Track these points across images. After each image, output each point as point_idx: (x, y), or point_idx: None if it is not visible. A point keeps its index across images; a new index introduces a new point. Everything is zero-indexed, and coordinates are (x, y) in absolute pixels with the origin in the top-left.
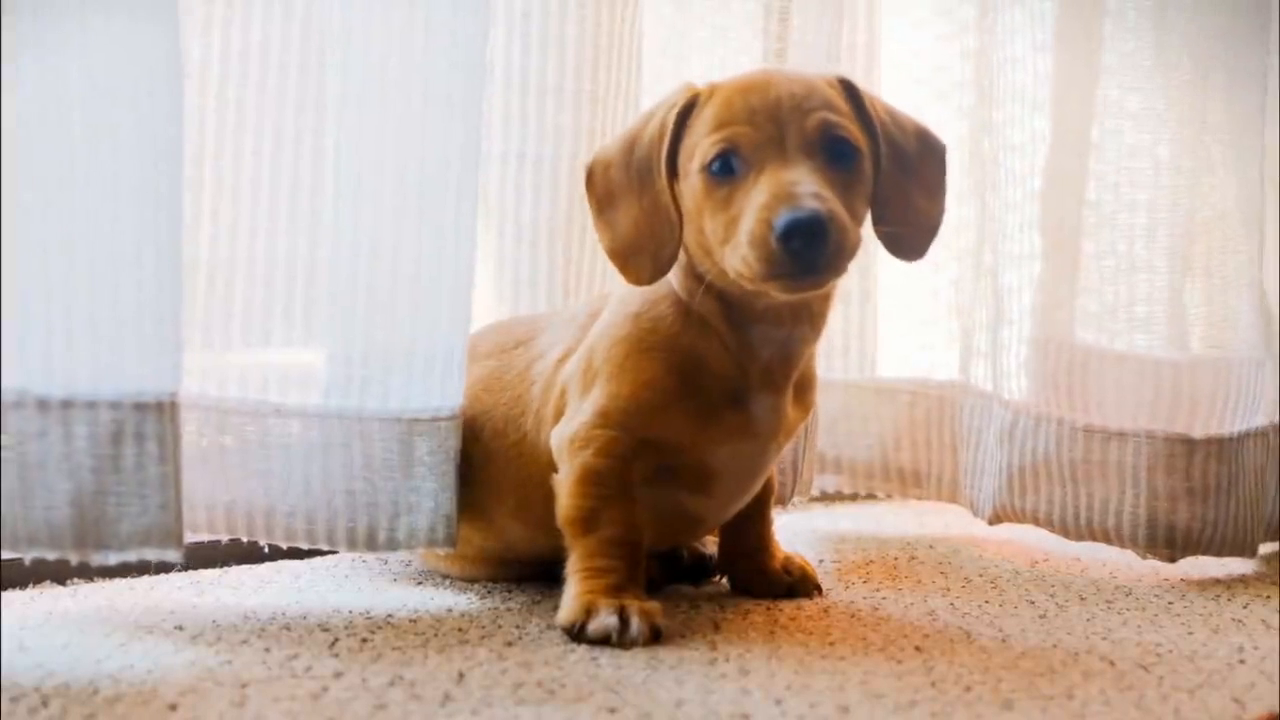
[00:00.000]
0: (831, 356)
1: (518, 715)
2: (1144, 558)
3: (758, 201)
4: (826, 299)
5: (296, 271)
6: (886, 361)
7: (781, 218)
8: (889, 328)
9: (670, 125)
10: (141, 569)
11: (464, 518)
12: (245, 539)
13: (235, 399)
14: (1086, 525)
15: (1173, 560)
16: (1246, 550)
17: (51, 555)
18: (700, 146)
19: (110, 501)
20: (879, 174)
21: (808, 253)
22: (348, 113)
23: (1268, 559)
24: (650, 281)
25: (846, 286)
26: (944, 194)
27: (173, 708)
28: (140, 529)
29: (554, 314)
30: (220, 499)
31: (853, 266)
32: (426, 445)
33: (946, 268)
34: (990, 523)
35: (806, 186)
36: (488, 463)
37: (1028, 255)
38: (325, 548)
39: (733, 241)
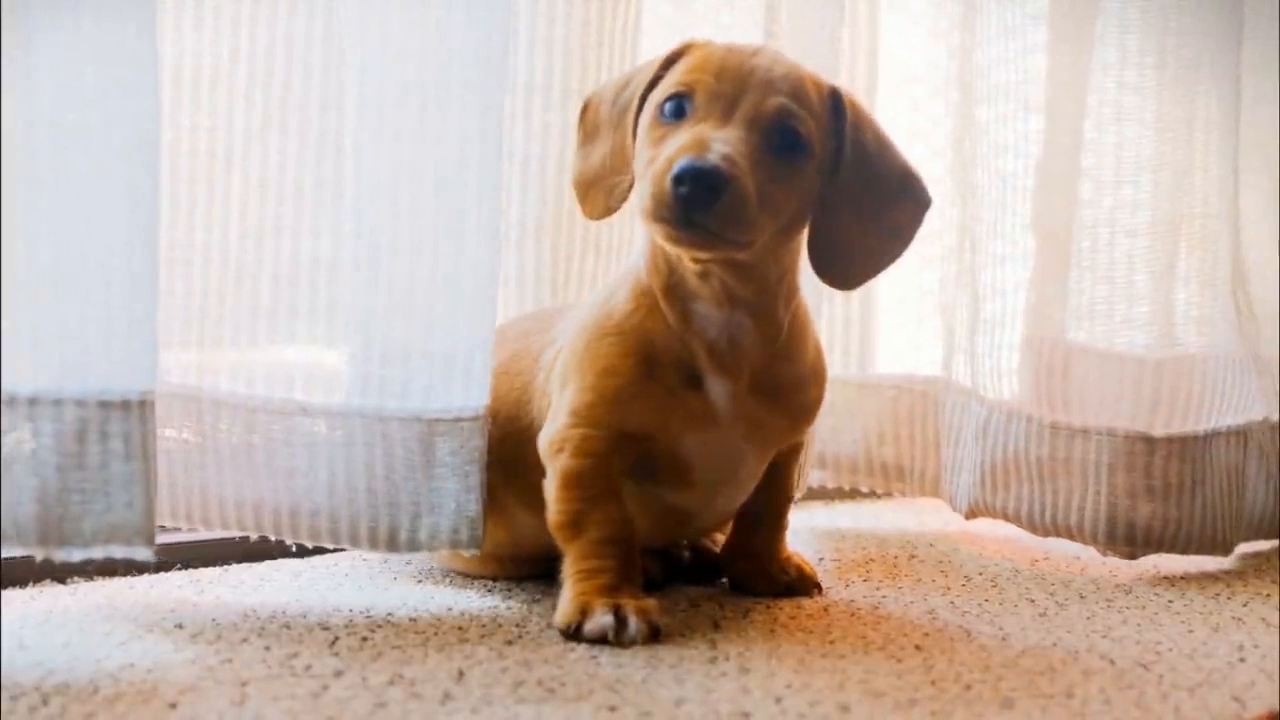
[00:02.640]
0: (831, 353)
1: (518, 714)
2: (1104, 555)
3: (674, 145)
4: (765, 293)
5: (320, 270)
6: (875, 358)
7: (680, 162)
8: (878, 325)
9: (655, 68)
10: (141, 568)
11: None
12: (272, 537)
13: (263, 397)
14: (1051, 521)
15: (1133, 557)
16: (1218, 549)
17: (16, 552)
18: (663, 86)
19: (74, 499)
20: (835, 190)
21: (693, 202)
22: (368, 112)
23: (1267, 557)
24: (600, 216)
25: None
26: (904, 244)
27: (173, 706)
28: (105, 526)
29: (576, 305)
30: (248, 497)
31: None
32: (448, 446)
33: (936, 265)
34: (967, 518)
35: (720, 145)
36: (501, 446)
37: (1008, 253)
38: (348, 547)
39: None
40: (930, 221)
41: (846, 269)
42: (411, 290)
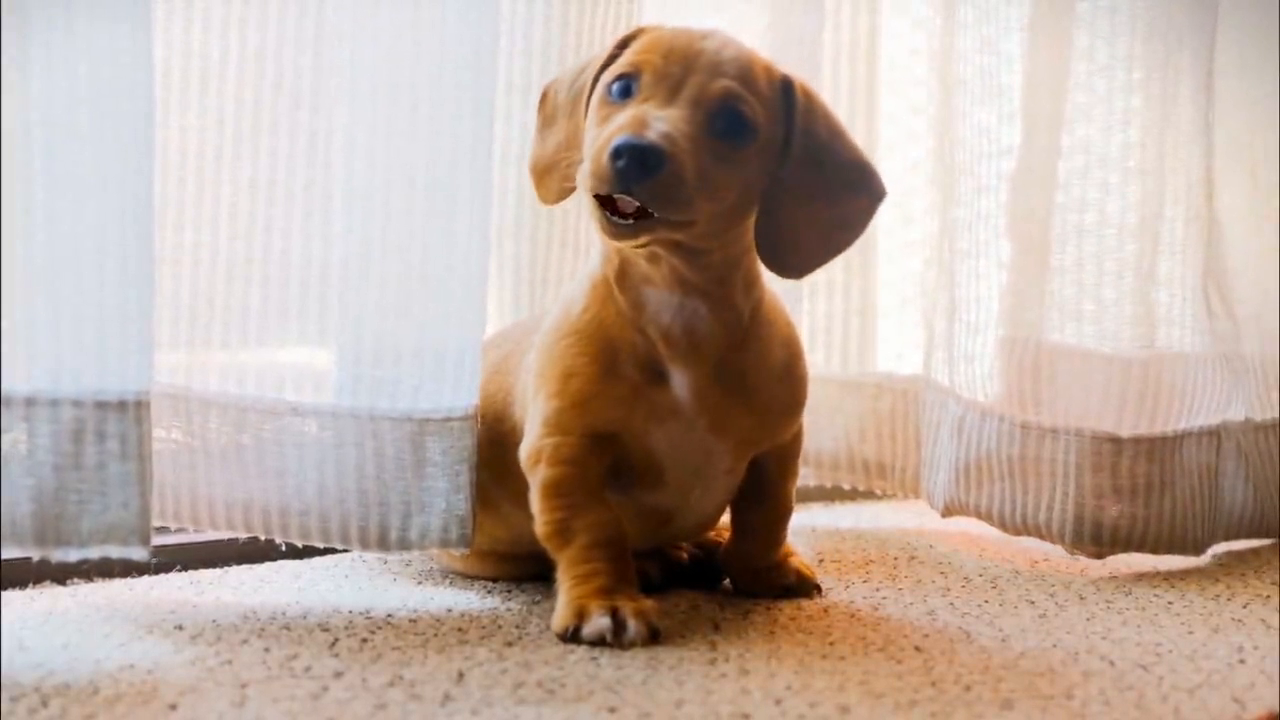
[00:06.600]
0: (814, 351)
1: (517, 715)
2: (1072, 554)
3: (616, 123)
4: (718, 279)
5: (310, 270)
6: (862, 356)
7: (619, 138)
8: (874, 324)
9: (609, 51)
10: (141, 569)
11: (479, 506)
12: (262, 537)
13: (253, 397)
14: (1021, 520)
15: (1100, 557)
16: (1189, 549)
17: (13, 553)
18: (613, 67)
19: (71, 499)
20: (783, 177)
21: (629, 175)
22: (359, 113)
23: (1267, 558)
24: (555, 200)
25: (827, 279)
26: (853, 236)
27: (173, 707)
28: (102, 526)
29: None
30: (238, 496)
31: (843, 262)
32: (438, 445)
33: (929, 267)
34: (943, 515)
35: (660, 124)
36: (492, 447)
37: (986, 254)
38: (339, 547)
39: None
40: (926, 225)
41: (789, 257)
42: (402, 290)
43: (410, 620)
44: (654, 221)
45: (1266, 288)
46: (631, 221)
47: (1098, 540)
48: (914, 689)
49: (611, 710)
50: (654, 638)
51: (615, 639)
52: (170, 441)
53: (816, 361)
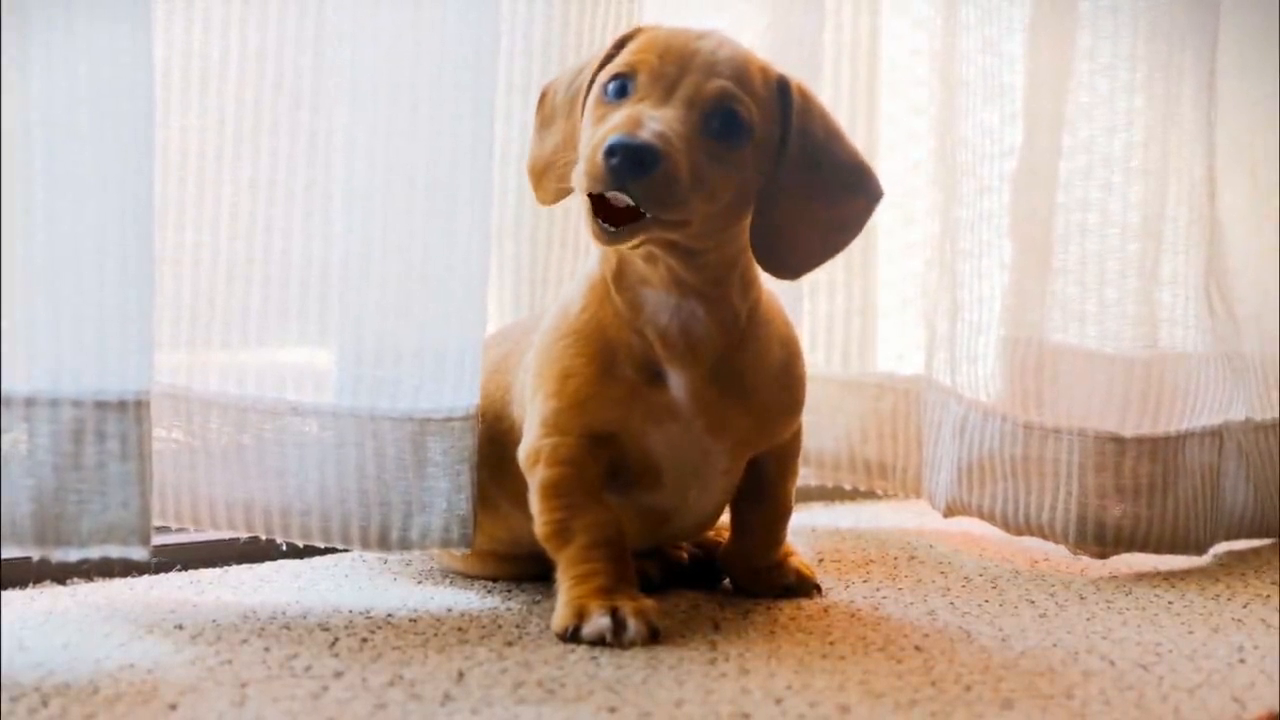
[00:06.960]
0: (815, 351)
1: (518, 715)
2: (1075, 554)
3: (611, 123)
4: (715, 280)
5: (311, 270)
6: (863, 356)
7: (612, 137)
8: (875, 324)
9: (606, 51)
10: (141, 569)
11: (478, 505)
12: (263, 536)
13: (253, 397)
14: (1024, 520)
15: (1103, 557)
16: (1191, 549)
17: (13, 553)
18: (609, 67)
19: (71, 499)
20: (779, 178)
21: (623, 172)
22: (359, 113)
23: (1267, 558)
24: (553, 201)
25: (828, 279)
26: (850, 237)
27: (173, 707)
28: (102, 526)
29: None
30: (239, 496)
31: (844, 262)
32: (439, 445)
33: (929, 268)
34: (945, 515)
35: (654, 123)
36: (491, 446)
37: (989, 255)
38: (340, 546)
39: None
40: (927, 226)
41: (785, 258)
42: (402, 290)
43: (410, 620)
44: (648, 222)
45: (1266, 288)
46: (621, 228)
47: (1100, 540)
48: (914, 689)
49: (611, 710)
50: (654, 638)
51: (615, 639)
52: (171, 441)
53: (817, 361)
